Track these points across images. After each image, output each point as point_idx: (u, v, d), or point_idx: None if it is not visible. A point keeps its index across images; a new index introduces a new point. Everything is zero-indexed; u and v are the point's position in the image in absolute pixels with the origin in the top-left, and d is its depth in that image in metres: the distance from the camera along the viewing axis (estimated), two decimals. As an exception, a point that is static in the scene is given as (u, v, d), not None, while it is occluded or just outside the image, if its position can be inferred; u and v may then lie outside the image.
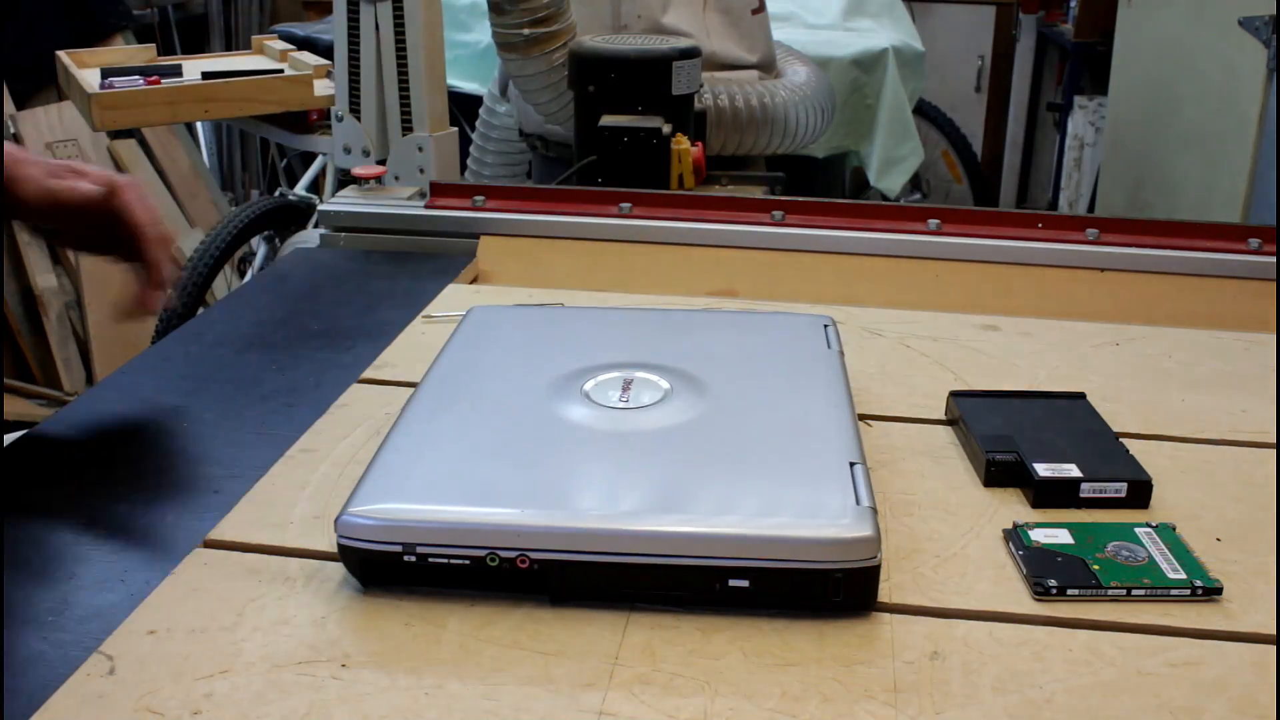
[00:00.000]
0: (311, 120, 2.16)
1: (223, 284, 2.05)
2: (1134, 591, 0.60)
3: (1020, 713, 0.52)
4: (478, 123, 1.98)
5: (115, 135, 2.57)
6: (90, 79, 2.01)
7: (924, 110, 3.08)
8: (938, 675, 0.54)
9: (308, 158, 2.84)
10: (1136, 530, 0.65)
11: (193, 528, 0.66)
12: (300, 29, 2.53)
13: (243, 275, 2.38)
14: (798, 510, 0.59)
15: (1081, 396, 0.80)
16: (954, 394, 0.80)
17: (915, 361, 0.91)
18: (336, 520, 0.59)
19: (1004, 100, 3.68)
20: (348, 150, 1.35)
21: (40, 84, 2.81)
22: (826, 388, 0.73)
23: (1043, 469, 0.69)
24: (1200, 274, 1.12)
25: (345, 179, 1.34)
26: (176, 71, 2.12)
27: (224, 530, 0.65)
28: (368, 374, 0.88)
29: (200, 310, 1.81)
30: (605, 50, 1.43)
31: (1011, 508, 0.69)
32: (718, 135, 1.67)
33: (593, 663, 0.55)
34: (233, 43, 3.55)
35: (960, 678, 0.54)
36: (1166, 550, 0.63)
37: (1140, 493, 0.69)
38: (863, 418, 0.81)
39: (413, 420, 0.69)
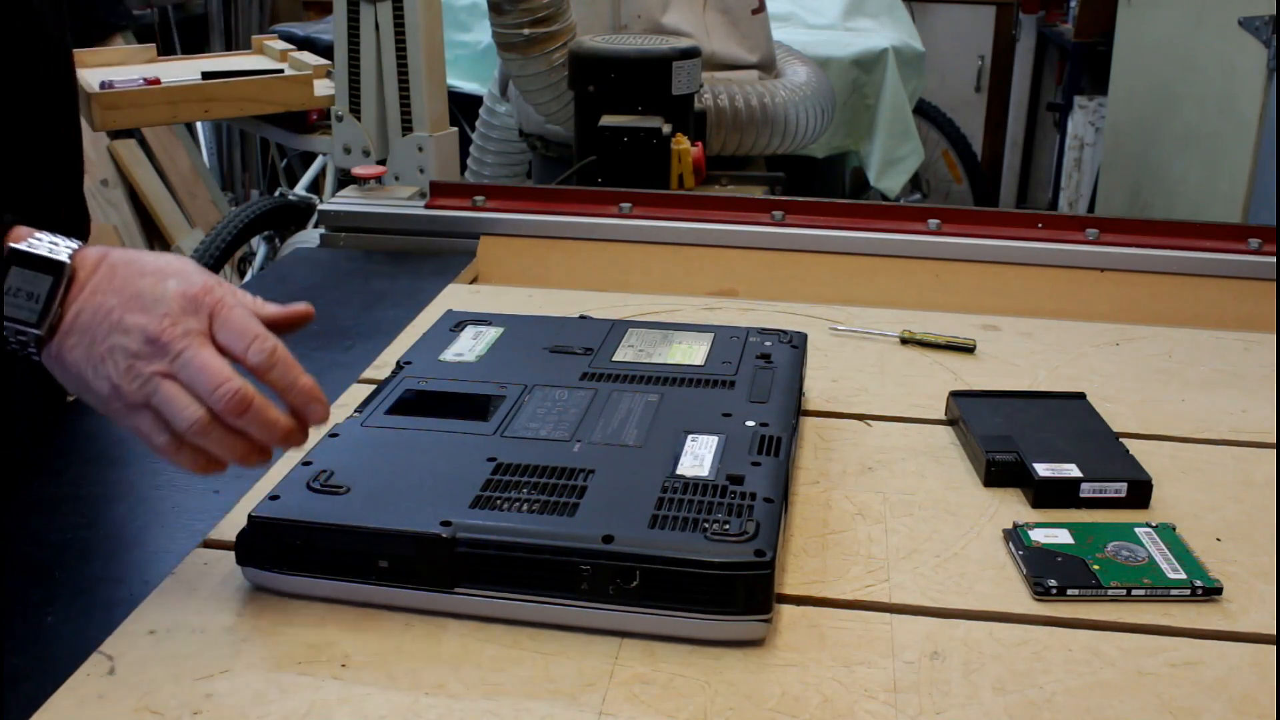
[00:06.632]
0: (311, 120, 2.16)
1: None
2: (1134, 591, 0.60)
3: (1020, 713, 0.52)
4: (478, 123, 1.98)
5: (115, 135, 2.56)
6: (90, 79, 2.01)
7: (924, 110, 3.08)
8: (938, 675, 0.54)
9: (308, 158, 2.84)
10: (1136, 530, 0.65)
11: (193, 528, 0.66)
12: (300, 29, 2.53)
13: (243, 275, 2.38)
14: None
15: (1081, 396, 0.80)
16: (954, 394, 0.80)
17: (915, 361, 0.91)
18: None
19: (1004, 100, 3.67)
20: (348, 150, 1.35)
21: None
22: None
23: (1043, 469, 0.69)
24: (1200, 274, 1.11)
25: (345, 179, 1.34)
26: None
27: (224, 530, 0.65)
28: (368, 374, 0.88)
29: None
30: (605, 50, 1.43)
31: (1011, 508, 0.69)
32: (718, 135, 1.67)
33: (593, 663, 0.54)
34: (233, 43, 3.54)
35: (960, 678, 0.54)
36: (1166, 550, 0.63)
37: (1140, 493, 0.69)
38: (863, 418, 0.81)
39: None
